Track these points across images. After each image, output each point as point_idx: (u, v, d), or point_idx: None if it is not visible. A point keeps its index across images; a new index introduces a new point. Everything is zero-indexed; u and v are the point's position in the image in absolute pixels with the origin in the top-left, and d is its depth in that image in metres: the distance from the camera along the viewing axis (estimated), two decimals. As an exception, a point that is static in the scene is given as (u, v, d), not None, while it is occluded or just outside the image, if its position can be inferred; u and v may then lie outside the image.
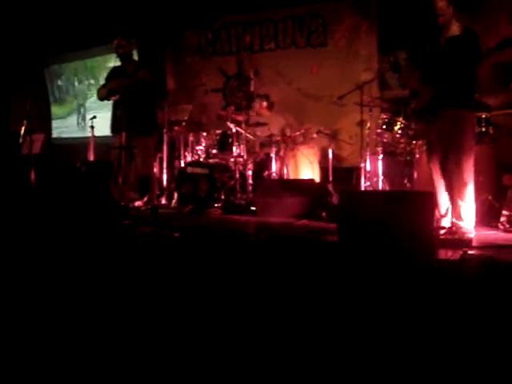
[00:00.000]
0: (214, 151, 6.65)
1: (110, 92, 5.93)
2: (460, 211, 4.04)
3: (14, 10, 9.02)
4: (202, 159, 6.77)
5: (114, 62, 6.20)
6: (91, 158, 8.04)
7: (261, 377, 2.15)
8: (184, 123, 7.19)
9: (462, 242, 3.77)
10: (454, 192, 4.09)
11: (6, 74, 9.42)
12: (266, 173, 6.62)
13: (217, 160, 6.72)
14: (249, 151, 6.57)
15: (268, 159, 6.64)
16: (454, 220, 4.07)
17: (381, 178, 5.88)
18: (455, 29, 4.12)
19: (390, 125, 5.58)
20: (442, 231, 4.07)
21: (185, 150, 7.14)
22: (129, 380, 2.18)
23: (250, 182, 6.43)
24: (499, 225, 4.53)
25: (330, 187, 5.66)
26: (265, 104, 7.17)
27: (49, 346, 2.46)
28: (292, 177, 6.51)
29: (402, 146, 5.69)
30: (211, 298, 3.02)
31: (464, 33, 4.09)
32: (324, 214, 5.29)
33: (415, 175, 5.63)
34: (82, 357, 2.35)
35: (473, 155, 4.17)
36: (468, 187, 4.05)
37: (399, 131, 5.54)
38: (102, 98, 6.25)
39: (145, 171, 6.08)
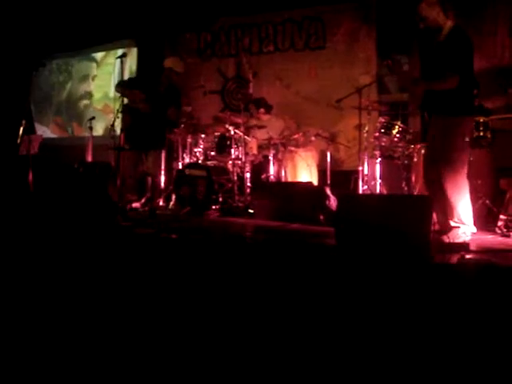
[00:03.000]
0: (213, 153, 6.65)
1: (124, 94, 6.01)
2: (455, 215, 4.03)
3: (12, 9, 9.01)
4: (200, 161, 6.77)
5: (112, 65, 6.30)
6: (89, 158, 8.04)
7: (258, 379, 2.15)
8: (182, 125, 7.18)
9: (459, 246, 3.77)
10: (448, 196, 4.07)
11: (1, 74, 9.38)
12: (264, 175, 6.62)
13: (215, 162, 6.71)
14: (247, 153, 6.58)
15: (266, 162, 6.64)
16: (451, 223, 4.06)
17: (379, 181, 5.88)
18: (444, 34, 4.10)
19: (388, 128, 5.60)
20: (440, 235, 4.07)
21: (183, 152, 7.13)
22: (127, 380, 2.18)
23: (248, 184, 6.44)
24: (497, 229, 4.53)
25: (328, 190, 5.65)
26: (262, 110, 7.17)
27: (45, 346, 2.46)
28: (290, 179, 6.51)
29: (399, 149, 5.70)
30: (209, 300, 3.02)
31: (448, 39, 4.05)
32: (322, 217, 5.29)
33: (413, 179, 5.64)
34: (78, 357, 2.34)
35: (465, 158, 4.12)
36: (461, 190, 4.05)
37: (397, 135, 5.56)
38: (117, 91, 6.24)
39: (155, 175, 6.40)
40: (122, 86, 5.95)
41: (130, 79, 6.14)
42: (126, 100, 5.87)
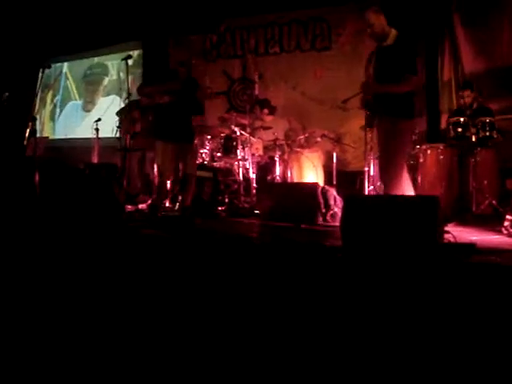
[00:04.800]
0: (219, 154, 6.67)
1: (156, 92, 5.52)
2: None
3: (18, 10, 9.06)
4: (206, 162, 6.78)
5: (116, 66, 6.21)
6: (95, 160, 8.06)
7: (262, 379, 2.16)
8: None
9: (465, 247, 3.76)
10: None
11: (7, 73, 9.39)
12: (270, 176, 6.63)
13: (221, 163, 6.73)
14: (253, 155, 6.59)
15: (272, 163, 6.65)
16: None
17: (385, 182, 5.87)
18: (390, 39, 4.29)
19: (394, 129, 5.58)
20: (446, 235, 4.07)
21: (189, 153, 7.14)
22: (129, 379, 2.19)
23: (254, 185, 6.44)
24: (503, 229, 4.51)
25: (334, 191, 5.65)
26: (266, 111, 7.18)
27: (53, 345, 2.47)
28: (296, 180, 6.51)
29: (405, 150, 5.68)
30: (214, 300, 3.03)
31: (397, 43, 4.25)
32: (328, 217, 5.30)
33: (419, 179, 5.63)
34: (83, 356, 2.36)
35: (403, 161, 4.46)
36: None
37: (403, 136, 5.54)
38: (144, 94, 5.88)
39: (190, 171, 5.73)
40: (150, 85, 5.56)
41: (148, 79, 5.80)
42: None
